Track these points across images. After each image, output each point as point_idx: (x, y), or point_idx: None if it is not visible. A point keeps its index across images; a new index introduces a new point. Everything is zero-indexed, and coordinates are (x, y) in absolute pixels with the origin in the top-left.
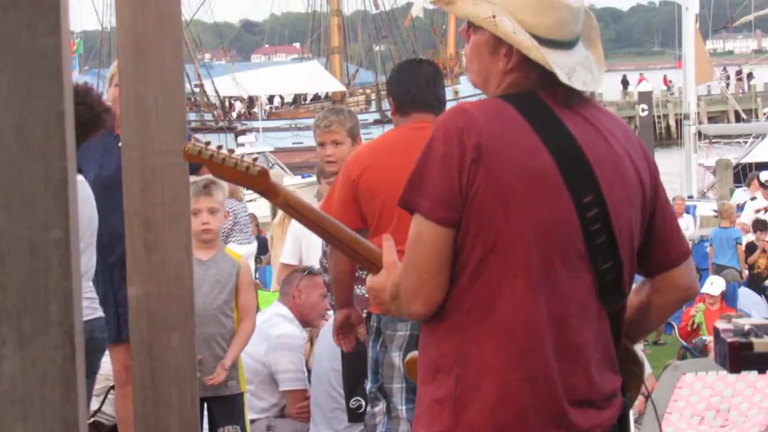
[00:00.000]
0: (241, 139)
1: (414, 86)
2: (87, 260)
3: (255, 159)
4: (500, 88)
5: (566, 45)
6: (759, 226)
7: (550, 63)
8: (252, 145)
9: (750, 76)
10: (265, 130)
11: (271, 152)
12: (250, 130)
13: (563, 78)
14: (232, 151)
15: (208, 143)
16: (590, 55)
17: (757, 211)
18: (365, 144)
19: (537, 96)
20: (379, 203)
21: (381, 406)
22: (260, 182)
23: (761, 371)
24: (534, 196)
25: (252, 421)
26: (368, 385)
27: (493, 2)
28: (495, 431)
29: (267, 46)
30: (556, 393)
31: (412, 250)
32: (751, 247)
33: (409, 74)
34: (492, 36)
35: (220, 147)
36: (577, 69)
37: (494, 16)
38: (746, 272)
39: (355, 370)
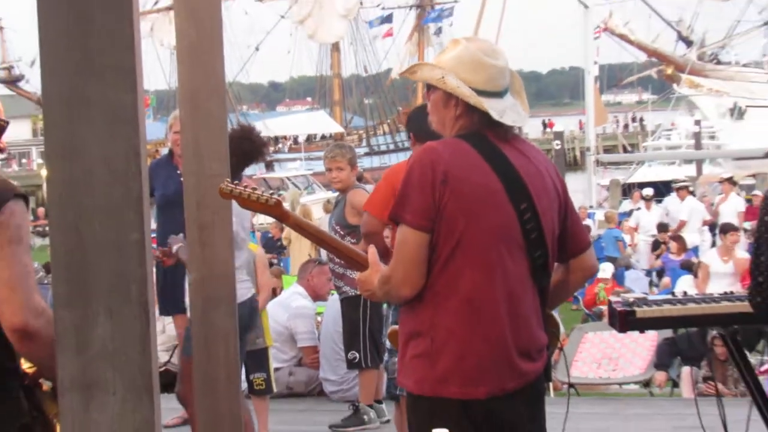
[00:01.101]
0: (290, 165)
1: (427, 124)
2: (243, 255)
3: (271, 193)
4: (454, 130)
5: (497, 94)
6: (662, 228)
7: (485, 106)
8: (297, 170)
9: (634, 119)
10: (289, 160)
11: (287, 177)
12: (277, 161)
13: (496, 116)
14: (255, 189)
15: (237, 184)
16: (517, 103)
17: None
18: (401, 165)
19: (484, 134)
20: None
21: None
22: (275, 210)
23: (641, 331)
24: (486, 206)
25: (277, 369)
26: (387, 341)
27: (442, 67)
28: (460, 377)
29: (287, 100)
30: (507, 347)
31: (399, 251)
32: (655, 244)
33: (424, 116)
34: (443, 92)
35: (245, 186)
36: (507, 111)
37: (443, 77)
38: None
39: (350, 333)
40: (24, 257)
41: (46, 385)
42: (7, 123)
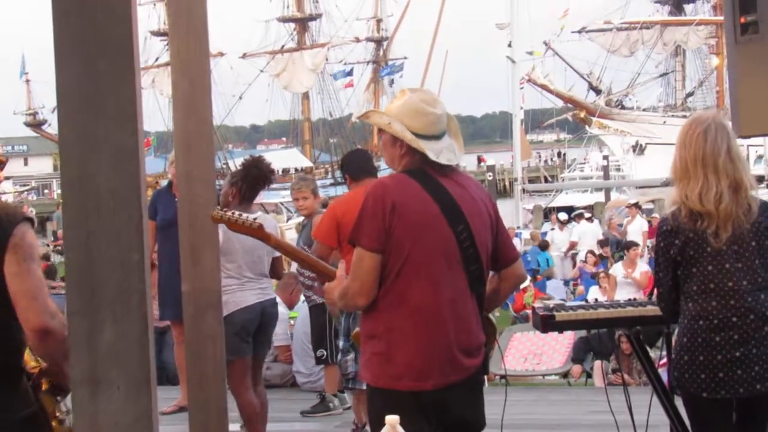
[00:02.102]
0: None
1: (363, 162)
2: (257, 267)
3: (255, 218)
4: (401, 166)
5: (435, 137)
6: (603, 243)
7: (423, 147)
8: (285, 197)
9: (559, 155)
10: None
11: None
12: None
13: (432, 156)
14: (240, 215)
15: (226, 210)
16: (453, 143)
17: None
18: (342, 197)
19: (425, 170)
20: (346, 232)
21: (351, 356)
22: (258, 232)
23: (560, 332)
24: (428, 229)
25: None
26: (341, 342)
27: (389, 114)
28: (411, 372)
29: (266, 140)
30: (451, 347)
31: (356, 268)
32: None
33: (358, 156)
34: (390, 135)
35: (233, 212)
36: (443, 151)
37: (389, 123)
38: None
39: (318, 334)
40: (38, 271)
41: (45, 384)
42: (7, 160)
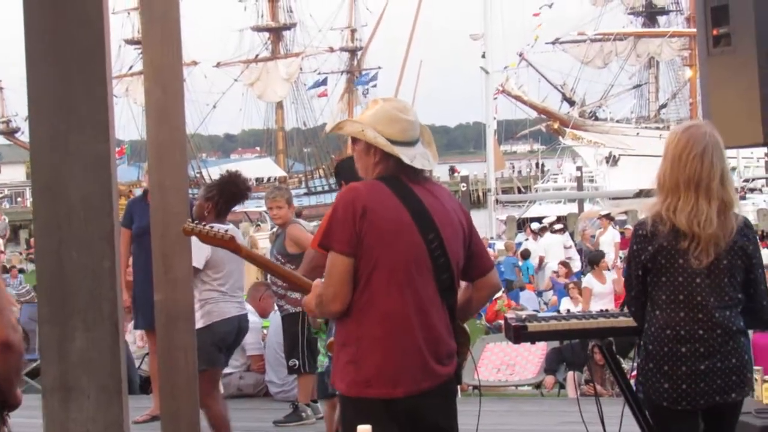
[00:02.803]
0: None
1: (354, 172)
2: (230, 278)
3: (226, 230)
4: (374, 174)
5: (409, 144)
6: (564, 264)
7: (396, 151)
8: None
9: (537, 165)
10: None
11: (264, 211)
12: None
13: (407, 160)
14: (212, 227)
15: (198, 223)
16: (427, 152)
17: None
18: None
19: (398, 177)
20: None
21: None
22: (230, 244)
23: (532, 342)
24: (399, 236)
25: (228, 374)
26: (327, 361)
27: (362, 122)
28: (381, 379)
29: (240, 149)
30: (421, 353)
31: (329, 273)
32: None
33: (352, 163)
34: (364, 143)
35: (204, 224)
36: (417, 157)
37: (363, 130)
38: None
39: (291, 344)
40: (1, 285)
41: None
42: None
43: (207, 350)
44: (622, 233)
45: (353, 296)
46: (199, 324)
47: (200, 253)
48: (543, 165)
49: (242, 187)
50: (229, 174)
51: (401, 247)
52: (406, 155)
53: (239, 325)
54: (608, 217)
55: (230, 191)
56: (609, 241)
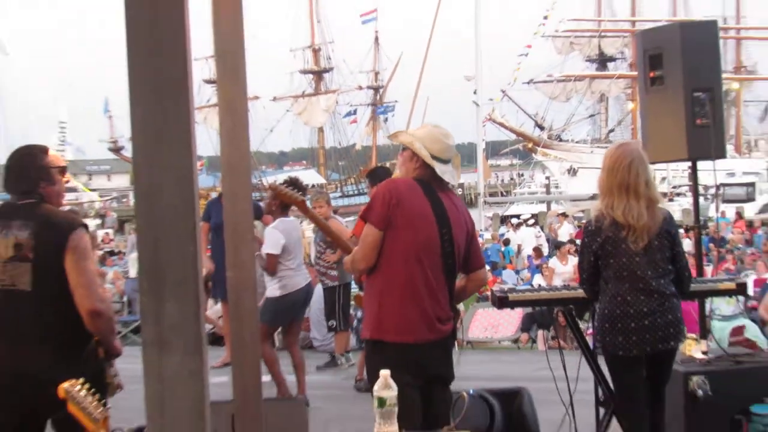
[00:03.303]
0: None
1: (384, 175)
2: (298, 257)
3: (301, 194)
4: (413, 176)
5: (443, 161)
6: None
7: (434, 164)
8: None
9: (520, 175)
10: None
11: None
12: None
13: (439, 173)
14: (290, 189)
15: (281, 184)
16: (454, 171)
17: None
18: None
19: (430, 183)
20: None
21: None
22: (302, 204)
23: (511, 308)
24: (421, 225)
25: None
26: (359, 313)
27: (413, 135)
28: (397, 329)
29: (290, 162)
30: (428, 314)
31: (362, 240)
32: (537, 249)
33: (381, 171)
34: (411, 151)
35: (286, 187)
36: (446, 173)
37: (412, 142)
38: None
39: (330, 309)
40: (91, 266)
41: (102, 352)
42: (66, 167)
43: (275, 313)
44: (579, 227)
45: (379, 265)
46: (276, 293)
47: (277, 243)
48: (521, 175)
49: (301, 187)
50: (291, 178)
51: (421, 233)
52: (439, 169)
53: (307, 290)
54: (563, 215)
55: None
56: (564, 232)
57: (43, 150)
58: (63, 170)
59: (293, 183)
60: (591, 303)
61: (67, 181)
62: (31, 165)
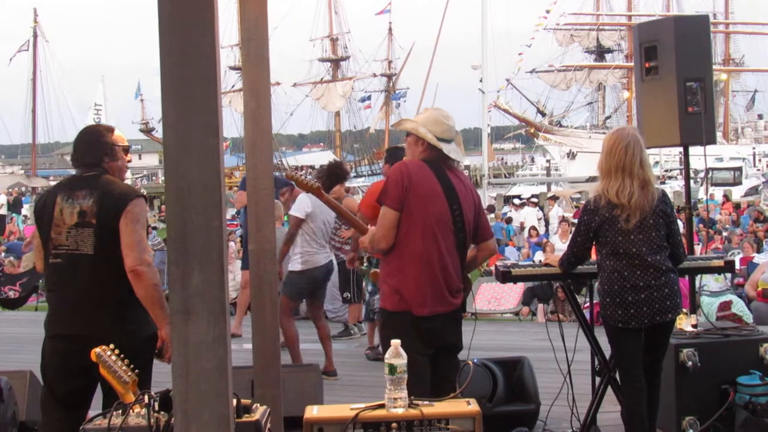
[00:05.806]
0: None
1: (399, 156)
2: (323, 235)
3: (314, 181)
4: (420, 158)
5: (447, 141)
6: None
7: (439, 144)
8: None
9: (529, 160)
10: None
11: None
12: None
13: (445, 151)
14: (306, 175)
15: (296, 171)
16: (458, 149)
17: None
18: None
19: (437, 162)
20: None
21: (377, 296)
22: (317, 191)
23: (514, 282)
24: (432, 202)
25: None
26: (370, 286)
27: (416, 122)
28: (413, 301)
29: (309, 144)
30: (441, 287)
31: (380, 221)
32: (534, 228)
33: (396, 152)
34: (415, 136)
35: (301, 174)
36: (452, 151)
37: (416, 127)
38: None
39: (344, 281)
40: (140, 231)
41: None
42: (130, 146)
43: (296, 287)
44: (577, 207)
45: (396, 241)
46: (298, 268)
47: (303, 206)
48: (523, 158)
49: (344, 170)
50: (335, 161)
51: (433, 210)
52: (446, 148)
53: (327, 268)
54: (553, 198)
55: (335, 174)
56: (554, 214)
57: (109, 129)
58: (126, 149)
59: (335, 167)
60: (589, 278)
61: (129, 161)
62: (96, 141)
